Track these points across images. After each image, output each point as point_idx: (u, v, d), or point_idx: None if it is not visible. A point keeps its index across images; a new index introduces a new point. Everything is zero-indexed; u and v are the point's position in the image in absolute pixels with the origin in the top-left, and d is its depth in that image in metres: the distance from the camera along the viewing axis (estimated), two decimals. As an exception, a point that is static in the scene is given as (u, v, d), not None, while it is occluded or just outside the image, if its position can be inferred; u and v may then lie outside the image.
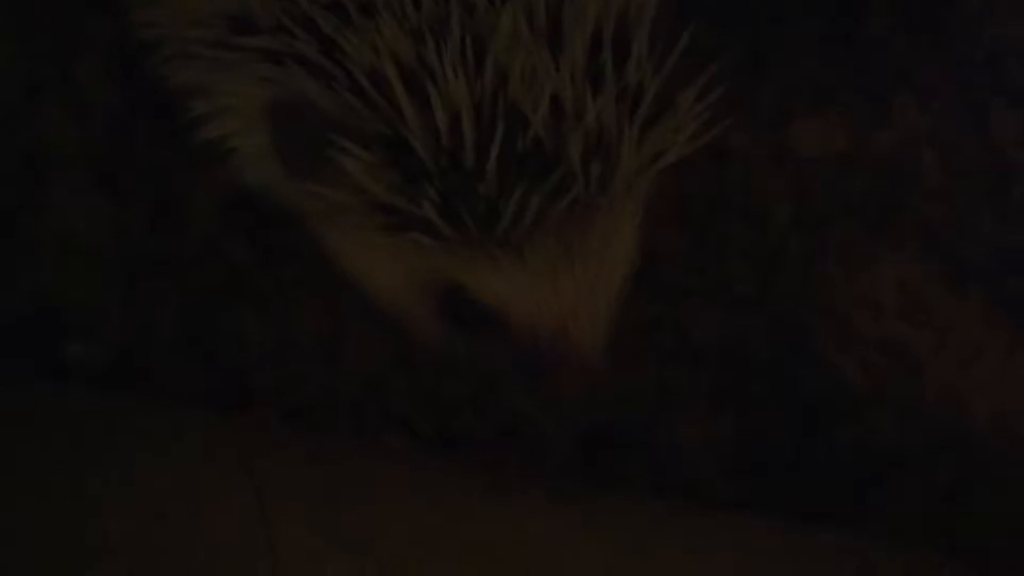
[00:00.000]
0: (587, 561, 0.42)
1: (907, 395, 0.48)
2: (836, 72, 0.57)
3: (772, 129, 0.56)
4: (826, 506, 0.47)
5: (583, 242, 0.40)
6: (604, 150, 0.39)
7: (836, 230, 0.53)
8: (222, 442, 0.42)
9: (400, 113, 0.37)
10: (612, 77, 0.39)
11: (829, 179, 0.55)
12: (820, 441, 0.48)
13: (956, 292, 0.50)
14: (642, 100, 0.40)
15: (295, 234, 0.51)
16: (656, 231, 0.53)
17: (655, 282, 0.52)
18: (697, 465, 0.48)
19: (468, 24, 0.38)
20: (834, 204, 0.54)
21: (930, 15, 0.59)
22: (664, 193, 0.53)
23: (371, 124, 0.38)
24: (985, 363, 0.48)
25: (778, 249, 0.53)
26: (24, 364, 0.49)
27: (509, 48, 0.38)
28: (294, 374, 0.49)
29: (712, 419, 0.49)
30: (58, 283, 0.50)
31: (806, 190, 0.55)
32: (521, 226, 0.38)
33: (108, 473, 0.41)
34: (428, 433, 0.48)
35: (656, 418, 0.49)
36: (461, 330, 0.42)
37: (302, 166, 0.39)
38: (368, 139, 0.38)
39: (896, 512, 0.46)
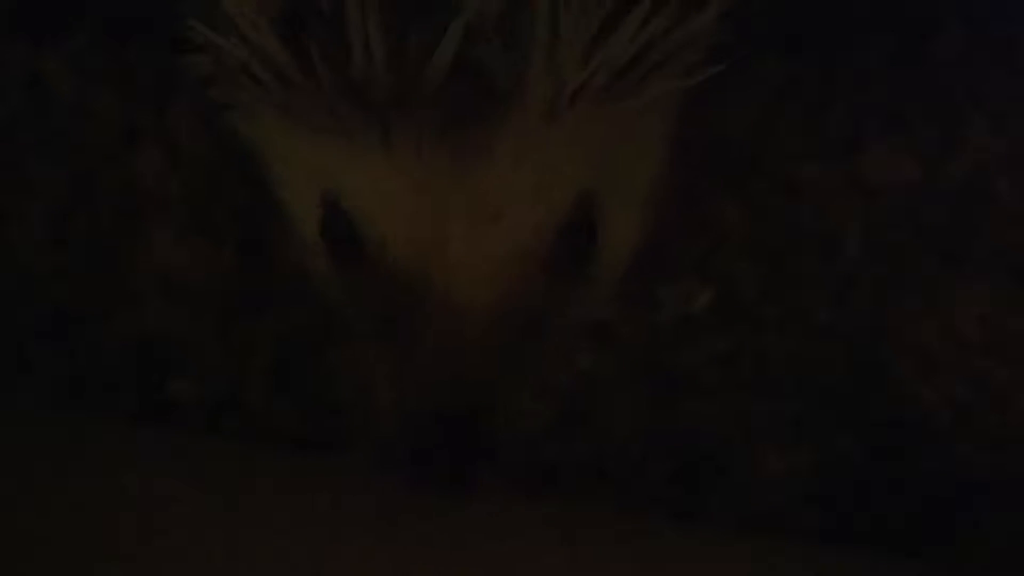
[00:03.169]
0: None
1: (990, 427, 0.47)
2: (906, 96, 0.56)
3: (842, 158, 0.55)
4: (906, 538, 0.46)
5: (485, 154, 0.32)
6: (518, 29, 0.31)
7: (909, 259, 0.52)
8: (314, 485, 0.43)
9: None
10: None
11: (900, 208, 0.54)
12: (899, 472, 0.47)
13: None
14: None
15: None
16: (731, 263, 0.53)
17: (731, 313, 0.52)
18: (776, 496, 0.48)
19: None
20: (906, 233, 0.53)
21: (1002, 35, 0.57)
22: (736, 226, 0.53)
23: None
24: None
25: (851, 279, 0.53)
26: (128, 400, 0.50)
27: None
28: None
29: (791, 450, 0.49)
30: (158, 321, 0.51)
31: (877, 219, 0.54)
32: (377, 76, 0.31)
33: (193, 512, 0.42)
34: (515, 466, 0.48)
35: (735, 449, 0.49)
36: (334, 261, 0.37)
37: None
38: None
39: (978, 546, 0.45)
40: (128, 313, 0.51)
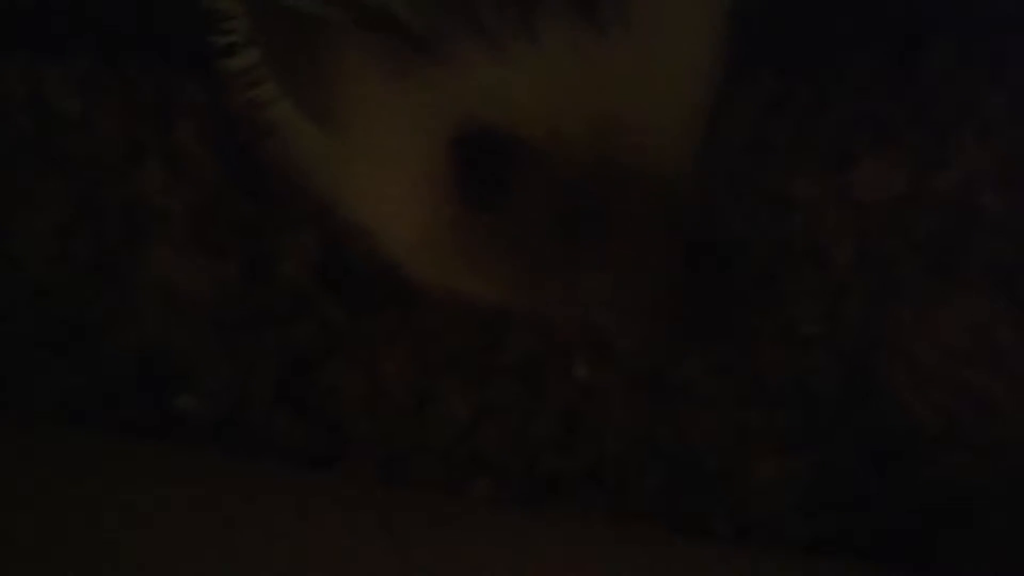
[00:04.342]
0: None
1: (980, 436, 0.47)
2: (897, 109, 0.57)
3: (834, 172, 0.55)
4: (900, 545, 0.47)
5: (624, 24, 0.33)
6: None
7: (901, 270, 0.53)
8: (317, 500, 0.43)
9: None
10: None
11: (892, 219, 0.55)
12: (893, 480, 0.47)
13: (1027, 333, 0.49)
14: None
15: (382, 289, 0.52)
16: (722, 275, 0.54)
17: (726, 324, 0.52)
18: (771, 504, 0.48)
19: None
20: (898, 244, 0.54)
21: (992, 47, 0.58)
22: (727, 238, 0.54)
23: None
24: None
25: (843, 289, 0.53)
26: (131, 414, 0.50)
27: None
28: (386, 423, 0.50)
29: (786, 458, 0.49)
30: (161, 335, 0.51)
31: (869, 230, 0.55)
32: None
33: (197, 528, 0.42)
34: (516, 476, 0.49)
35: (730, 458, 0.49)
36: (483, 193, 0.35)
37: None
38: None
39: (971, 554, 0.46)
40: (131, 327, 0.52)
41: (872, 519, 0.47)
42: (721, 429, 0.49)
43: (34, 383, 0.51)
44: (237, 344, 0.51)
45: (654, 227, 0.35)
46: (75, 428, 0.49)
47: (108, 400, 0.51)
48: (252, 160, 0.55)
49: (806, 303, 0.52)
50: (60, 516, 0.43)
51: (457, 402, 0.50)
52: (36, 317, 0.52)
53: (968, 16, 0.56)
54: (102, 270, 0.53)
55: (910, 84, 0.57)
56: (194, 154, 0.55)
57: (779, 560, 0.45)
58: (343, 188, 0.40)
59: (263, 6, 0.36)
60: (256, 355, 0.51)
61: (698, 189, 0.36)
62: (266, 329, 0.51)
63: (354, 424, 0.50)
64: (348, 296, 0.52)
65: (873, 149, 0.56)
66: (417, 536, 0.42)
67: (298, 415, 0.50)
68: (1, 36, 0.57)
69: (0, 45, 0.57)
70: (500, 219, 0.36)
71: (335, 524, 0.42)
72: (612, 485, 0.49)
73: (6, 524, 0.43)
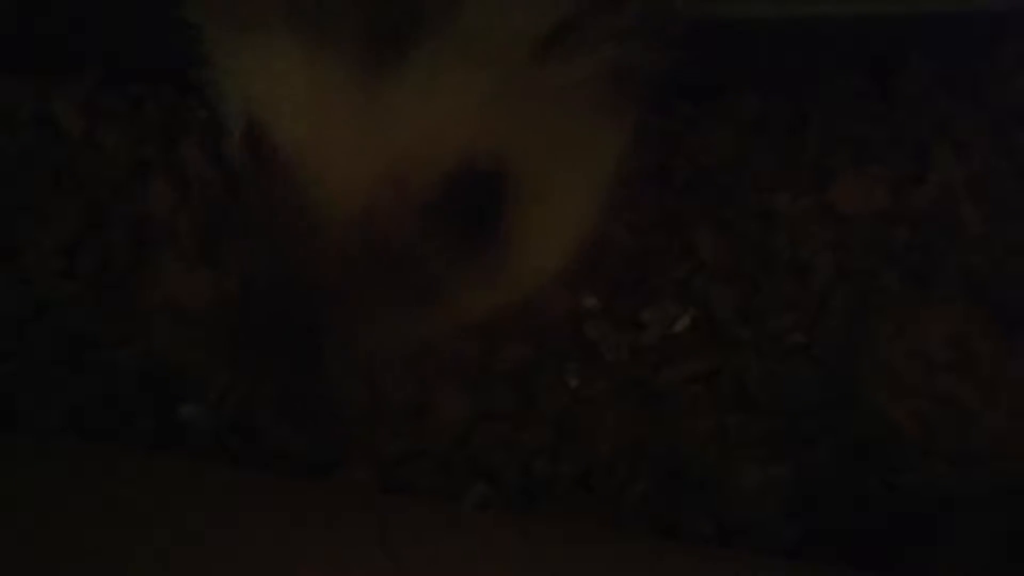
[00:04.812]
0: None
1: (960, 444, 0.49)
2: (875, 128, 0.59)
3: (814, 189, 0.57)
4: (882, 550, 0.48)
5: (396, 72, 0.33)
6: None
7: (878, 284, 0.55)
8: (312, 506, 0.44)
9: None
10: None
11: (870, 233, 0.56)
12: (874, 485, 0.49)
13: (1003, 343, 0.51)
14: None
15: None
16: (709, 287, 0.55)
17: (710, 335, 0.54)
18: (758, 507, 0.50)
19: None
20: (877, 257, 0.55)
21: (966, 67, 0.60)
22: (715, 251, 0.55)
23: None
24: None
25: (823, 301, 0.55)
26: (139, 425, 0.51)
27: None
28: (387, 432, 0.51)
29: (770, 463, 0.50)
30: (166, 348, 0.53)
31: (848, 244, 0.56)
32: None
33: (202, 537, 0.43)
34: (509, 481, 0.50)
35: (718, 463, 0.51)
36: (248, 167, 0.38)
37: None
38: None
39: (946, 557, 0.47)
40: (136, 340, 0.53)
41: (852, 523, 0.48)
42: (706, 436, 0.51)
43: (41, 396, 0.52)
44: (239, 355, 0.52)
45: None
46: (81, 439, 0.50)
47: (113, 411, 0.52)
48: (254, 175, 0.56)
49: (788, 314, 0.54)
50: (67, 526, 0.44)
51: (454, 409, 0.52)
52: (46, 331, 0.53)
53: (941, 40, 0.57)
54: (110, 285, 0.54)
55: (888, 104, 0.59)
56: (198, 171, 0.56)
57: (762, 563, 0.47)
58: None
59: None
60: (258, 365, 0.52)
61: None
62: (267, 340, 0.53)
63: (354, 431, 0.51)
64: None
65: (852, 167, 0.58)
66: (413, 541, 0.43)
67: (299, 423, 0.51)
68: (10, 57, 0.58)
69: (9, 65, 0.58)
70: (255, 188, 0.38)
71: (333, 530, 0.43)
72: (602, 490, 0.50)
73: (15, 534, 0.44)
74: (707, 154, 0.57)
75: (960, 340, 0.52)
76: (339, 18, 0.33)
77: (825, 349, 0.52)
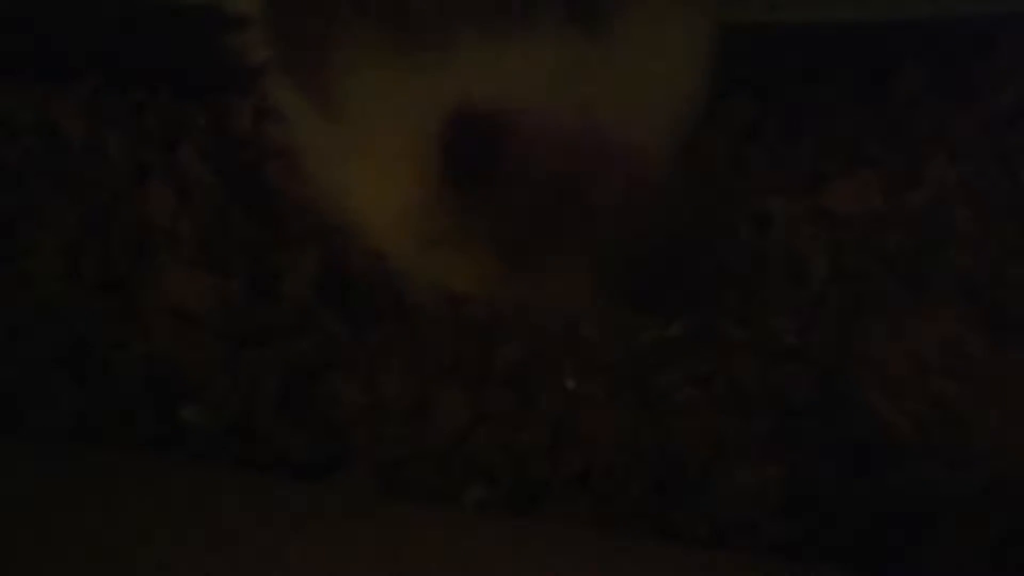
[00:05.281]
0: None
1: (954, 445, 0.49)
2: (869, 131, 0.59)
3: (808, 191, 0.57)
4: (877, 551, 0.48)
5: (610, 28, 0.35)
6: None
7: (873, 286, 0.55)
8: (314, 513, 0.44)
9: None
10: None
11: (865, 235, 0.57)
12: (869, 487, 0.49)
13: (997, 345, 0.51)
14: None
15: (380, 302, 0.54)
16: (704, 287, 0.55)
17: (707, 336, 0.54)
18: (754, 508, 0.50)
19: None
20: (870, 261, 0.56)
21: (961, 70, 0.60)
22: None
23: None
24: None
25: (817, 302, 0.55)
26: (140, 427, 0.52)
27: None
28: (385, 432, 0.51)
29: (764, 464, 0.51)
30: (167, 352, 0.53)
31: (843, 246, 0.56)
32: None
33: (203, 539, 0.43)
34: (506, 483, 0.51)
35: (713, 464, 0.51)
36: (468, 175, 0.36)
37: None
38: None
39: (938, 559, 0.47)
40: (138, 343, 0.53)
41: (844, 524, 0.49)
42: (703, 437, 0.51)
43: (43, 399, 0.52)
44: (240, 357, 0.53)
45: (627, 218, 0.37)
46: (82, 441, 0.50)
47: (114, 414, 0.52)
48: (255, 180, 0.57)
49: (783, 315, 0.55)
50: (68, 529, 0.44)
51: (453, 410, 0.52)
52: (47, 334, 0.54)
53: (935, 44, 0.58)
54: (111, 287, 0.55)
55: (882, 108, 0.59)
56: (198, 175, 0.57)
57: (756, 563, 0.47)
58: (333, 174, 0.41)
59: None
60: (259, 368, 0.52)
61: (674, 189, 0.38)
62: (268, 343, 0.53)
63: (353, 433, 0.51)
64: (348, 310, 0.54)
65: (847, 169, 0.58)
66: (411, 542, 0.44)
67: (299, 425, 0.52)
68: (11, 62, 0.58)
69: (10, 71, 0.59)
70: (482, 201, 0.37)
71: (333, 533, 0.44)
72: (600, 491, 0.50)
73: (16, 536, 0.44)
74: (701, 158, 0.57)
75: (955, 342, 0.52)
76: None
77: (821, 351, 0.53)
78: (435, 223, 0.38)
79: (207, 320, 0.53)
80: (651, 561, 0.45)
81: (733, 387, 0.53)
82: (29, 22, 0.57)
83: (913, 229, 0.57)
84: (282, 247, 0.55)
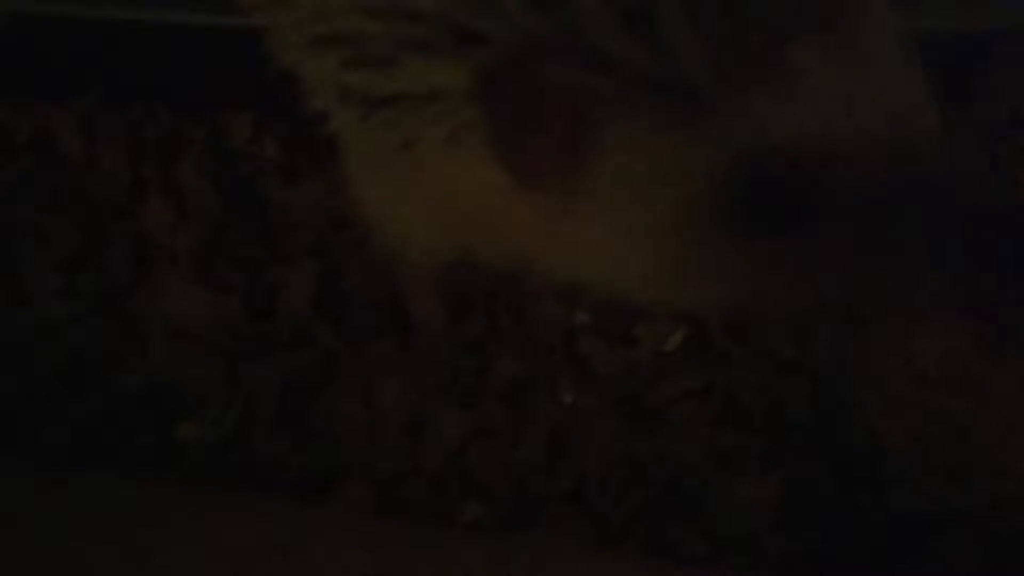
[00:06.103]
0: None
1: (952, 460, 0.48)
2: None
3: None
4: (870, 568, 0.48)
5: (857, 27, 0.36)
6: None
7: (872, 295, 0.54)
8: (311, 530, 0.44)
9: None
10: None
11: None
12: (867, 502, 0.49)
13: (995, 358, 0.51)
14: None
15: (378, 318, 0.54)
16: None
17: (705, 351, 0.54)
18: (751, 523, 0.50)
19: None
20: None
21: (955, 80, 0.60)
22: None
23: None
24: None
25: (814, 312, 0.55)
26: (139, 443, 0.51)
27: None
28: (381, 448, 0.51)
29: (762, 479, 0.50)
30: (166, 366, 0.53)
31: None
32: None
33: (202, 557, 0.43)
34: (503, 499, 0.50)
35: (710, 479, 0.51)
36: (767, 222, 0.36)
37: None
38: None
39: (944, 573, 0.47)
40: (136, 359, 0.53)
41: (845, 539, 0.48)
42: (700, 452, 0.51)
43: (41, 416, 0.52)
44: (238, 373, 0.53)
45: (940, 223, 0.37)
46: (81, 458, 0.50)
47: (113, 430, 0.52)
48: (253, 195, 0.56)
49: (780, 329, 0.54)
50: (66, 548, 0.44)
51: (449, 426, 0.52)
52: (46, 351, 0.54)
53: (929, 55, 0.57)
54: (109, 304, 0.54)
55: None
56: (196, 190, 0.57)
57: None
58: (553, 247, 0.40)
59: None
60: (256, 384, 0.52)
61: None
62: (266, 358, 0.53)
63: (350, 449, 0.51)
64: (345, 325, 0.54)
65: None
66: (407, 560, 0.44)
67: (296, 441, 0.52)
68: (8, 78, 0.58)
69: (7, 86, 0.59)
70: (788, 243, 0.37)
71: (330, 552, 0.44)
72: (596, 506, 0.50)
73: (14, 556, 0.43)
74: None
75: (952, 355, 0.51)
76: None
77: (817, 364, 0.52)
78: (715, 269, 0.38)
79: (205, 336, 0.53)
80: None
81: (730, 402, 0.52)
82: (28, 39, 0.57)
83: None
84: (280, 262, 0.54)
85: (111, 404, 0.52)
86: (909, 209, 0.36)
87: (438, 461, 0.51)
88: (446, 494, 0.50)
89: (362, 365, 0.53)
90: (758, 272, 0.38)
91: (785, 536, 0.49)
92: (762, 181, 0.35)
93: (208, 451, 0.51)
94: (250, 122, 0.57)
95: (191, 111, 0.57)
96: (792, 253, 0.37)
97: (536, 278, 0.46)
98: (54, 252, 0.56)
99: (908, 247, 0.37)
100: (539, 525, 0.49)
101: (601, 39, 0.35)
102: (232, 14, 0.46)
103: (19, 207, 0.57)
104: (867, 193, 0.36)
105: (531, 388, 0.53)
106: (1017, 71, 0.59)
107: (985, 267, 0.38)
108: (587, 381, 0.53)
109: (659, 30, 0.34)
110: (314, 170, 0.55)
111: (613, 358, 0.53)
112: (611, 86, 0.35)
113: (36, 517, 0.45)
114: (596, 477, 0.50)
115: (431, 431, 0.52)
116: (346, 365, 0.53)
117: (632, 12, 0.34)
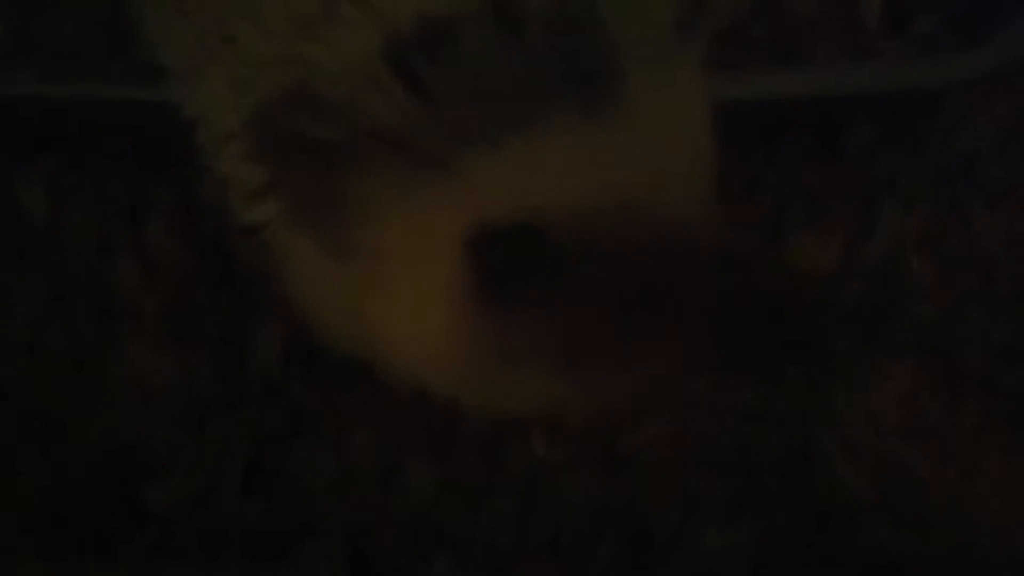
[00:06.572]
0: None
1: (911, 509, 0.49)
2: (825, 186, 0.60)
3: (769, 244, 0.58)
4: None
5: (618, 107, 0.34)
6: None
7: (833, 341, 0.55)
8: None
9: None
10: None
11: (825, 287, 0.57)
12: (832, 548, 0.49)
13: (953, 402, 0.51)
14: None
15: (346, 372, 0.54)
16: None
17: (674, 396, 0.54)
18: (722, 569, 0.50)
19: None
20: (831, 313, 0.56)
21: (910, 125, 0.61)
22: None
23: None
24: (985, 476, 0.49)
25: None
26: (106, 503, 0.51)
27: None
28: (353, 502, 0.51)
29: (732, 525, 0.51)
30: (134, 426, 0.52)
31: (803, 299, 0.57)
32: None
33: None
34: (474, 552, 0.50)
35: (683, 525, 0.51)
36: (513, 290, 0.35)
37: None
38: None
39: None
40: (104, 420, 0.52)
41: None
42: (671, 499, 0.51)
43: (11, 477, 0.51)
44: (207, 431, 0.52)
45: (695, 289, 0.36)
46: (47, 523, 0.49)
47: (79, 492, 0.51)
48: (220, 251, 0.56)
49: (745, 375, 0.54)
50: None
51: (420, 479, 0.52)
52: (12, 411, 0.53)
53: (883, 101, 0.59)
54: (77, 363, 0.54)
55: (836, 162, 0.60)
56: (163, 247, 0.56)
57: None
58: (354, 318, 0.39)
59: (285, 146, 0.36)
60: (226, 441, 0.52)
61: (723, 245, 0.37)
62: (236, 414, 0.53)
63: (321, 502, 0.51)
64: (315, 378, 0.53)
65: (805, 222, 0.59)
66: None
67: (267, 496, 0.51)
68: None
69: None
70: (536, 313, 0.35)
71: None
72: (568, 556, 0.50)
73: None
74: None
75: (910, 401, 0.52)
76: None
77: (783, 410, 0.53)
78: (482, 346, 0.36)
79: (172, 394, 0.53)
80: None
81: (699, 447, 0.52)
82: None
83: (872, 281, 0.58)
84: (247, 317, 0.54)
85: (77, 466, 0.52)
86: (664, 276, 0.35)
87: (409, 514, 0.51)
88: (417, 547, 0.50)
89: (333, 418, 0.53)
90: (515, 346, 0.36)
91: (757, 580, 0.49)
92: (506, 249, 0.34)
93: (177, 510, 0.50)
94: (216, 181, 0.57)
95: (159, 169, 0.57)
96: (542, 325, 0.35)
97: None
98: (21, 313, 0.56)
99: (660, 313, 0.36)
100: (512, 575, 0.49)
101: (343, 93, 0.34)
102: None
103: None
104: (620, 259, 0.35)
105: (503, 439, 0.53)
106: (967, 121, 0.61)
107: (729, 344, 0.37)
108: (558, 431, 0.53)
109: (410, 87, 0.33)
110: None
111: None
112: (351, 142, 0.34)
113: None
114: (569, 528, 0.50)
115: (402, 484, 0.51)
116: (316, 418, 0.52)
117: (386, 67, 0.34)
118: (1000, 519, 0.48)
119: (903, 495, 0.49)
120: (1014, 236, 0.59)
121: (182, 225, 0.56)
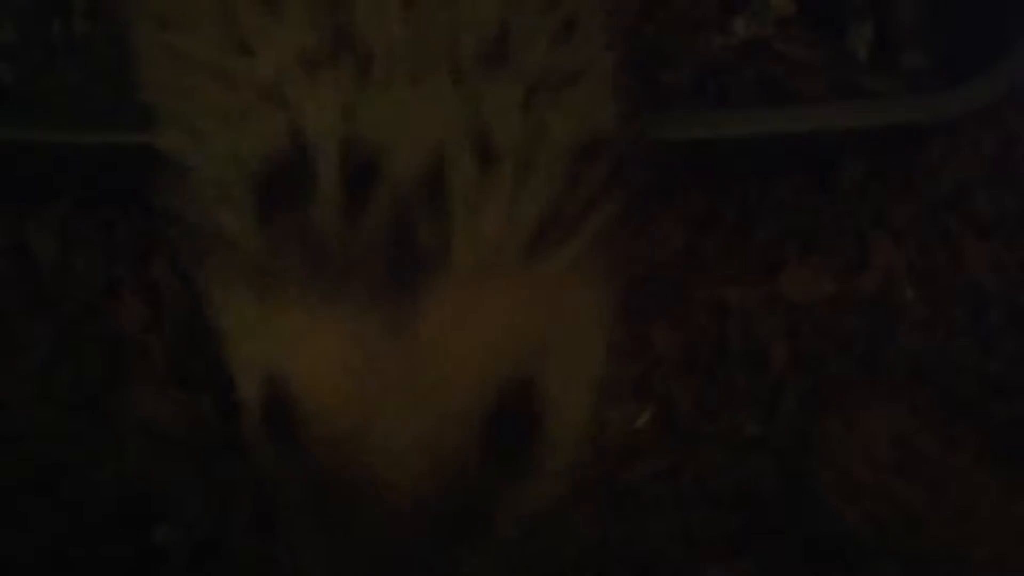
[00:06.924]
0: None
1: (908, 545, 0.49)
2: (818, 221, 0.61)
3: (764, 279, 0.58)
4: None
5: (415, 320, 0.31)
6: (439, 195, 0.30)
7: (831, 370, 0.56)
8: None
9: None
10: None
11: (820, 320, 0.58)
12: None
13: (949, 438, 0.52)
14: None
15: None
16: (669, 381, 0.56)
17: (673, 430, 0.54)
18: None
19: None
20: (827, 344, 0.57)
21: (898, 160, 0.62)
22: (670, 347, 0.56)
23: None
24: (980, 513, 0.49)
25: (778, 389, 0.56)
26: (116, 547, 0.51)
27: None
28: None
29: (732, 559, 0.51)
30: (142, 469, 0.52)
31: (799, 332, 0.57)
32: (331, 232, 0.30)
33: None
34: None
35: (683, 560, 0.51)
36: (273, 440, 0.35)
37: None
38: None
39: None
40: (113, 463, 0.52)
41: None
42: (671, 533, 0.51)
43: (21, 521, 0.52)
44: (214, 474, 0.53)
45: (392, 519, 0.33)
46: (56, 567, 0.49)
47: (88, 537, 0.51)
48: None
49: (745, 406, 0.55)
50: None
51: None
52: (21, 456, 0.53)
53: (873, 138, 0.60)
54: (84, 407, 0.54)
55: (829, 197, 0.61)
56: (169, 288, 0.57)
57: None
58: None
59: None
60: (232, 483, 0.52)
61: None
62: (241, 457, 0.53)
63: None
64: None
65: (799, 257, 0.60)
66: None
67: (273, 538, 0.51)
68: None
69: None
70: (286, 463, 0.35)
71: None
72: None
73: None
74: (659, 251, 0.59)
75: (905, 438, 0.52)
76: (356, 270, 0.31)
77: (782, 441, 0.53)
78: None
79: (179, 436, 0.53)
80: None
81: (699, 481, 0.53)
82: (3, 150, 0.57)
83: (866, 311, 0.58)
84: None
85: (88, 508, 0.52)
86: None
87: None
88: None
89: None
90: None
91: (757, 616, 0.49)
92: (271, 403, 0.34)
93: (185, 553, 0.50)
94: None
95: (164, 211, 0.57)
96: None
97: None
98: (29, 358, 0.56)
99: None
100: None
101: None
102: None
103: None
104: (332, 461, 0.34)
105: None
106: (954, 155, 0.62)
107: None
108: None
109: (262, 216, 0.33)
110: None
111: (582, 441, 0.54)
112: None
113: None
114: (569, 561, 0.50)
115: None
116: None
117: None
118: (997, 555, 0.48)
119: (900, 531, 0.49)
120: (1003, 266, 0.60)
121: (187, 268, 0.57)
